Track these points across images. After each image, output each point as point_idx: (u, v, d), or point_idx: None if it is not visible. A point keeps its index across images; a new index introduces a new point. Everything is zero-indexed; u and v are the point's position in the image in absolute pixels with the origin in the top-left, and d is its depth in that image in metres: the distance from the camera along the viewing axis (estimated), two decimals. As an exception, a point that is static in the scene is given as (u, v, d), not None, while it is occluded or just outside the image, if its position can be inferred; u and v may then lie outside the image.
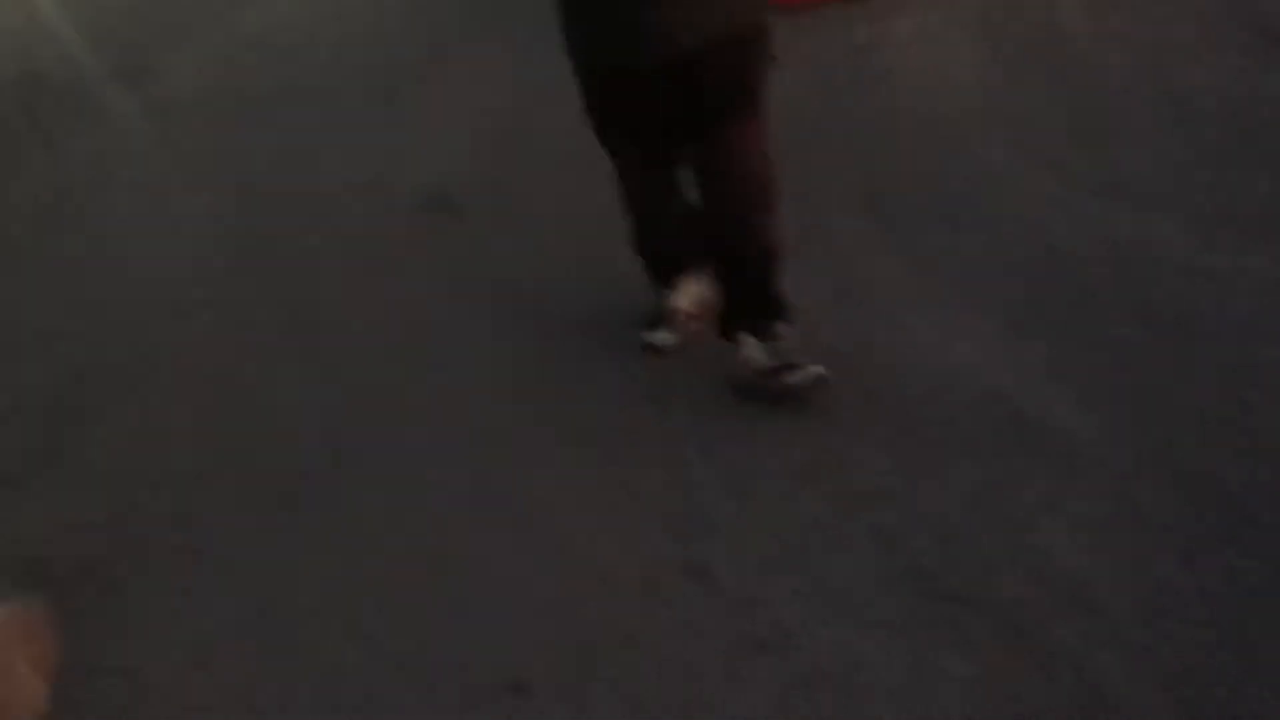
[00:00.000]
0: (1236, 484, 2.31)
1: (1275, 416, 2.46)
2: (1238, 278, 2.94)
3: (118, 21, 9.12)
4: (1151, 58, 4.43)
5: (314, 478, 2.92)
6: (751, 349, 2.89)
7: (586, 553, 2.53)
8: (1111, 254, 3.17)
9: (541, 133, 4.42)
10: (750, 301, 2.89)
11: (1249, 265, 2.97)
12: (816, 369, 2.82)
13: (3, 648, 2.11)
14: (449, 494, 2.78)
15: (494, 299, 3.51)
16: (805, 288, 3.01)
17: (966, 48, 4.89)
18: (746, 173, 2.70)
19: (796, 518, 2.50)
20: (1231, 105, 3.90)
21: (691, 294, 3.05)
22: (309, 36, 7.64)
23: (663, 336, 3.05)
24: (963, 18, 5.27)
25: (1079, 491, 2.37)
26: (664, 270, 3.08)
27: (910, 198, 3.72)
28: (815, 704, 2.11)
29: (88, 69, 7.62)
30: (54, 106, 6.84)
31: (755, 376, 2.89)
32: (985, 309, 3.02)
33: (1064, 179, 3.61)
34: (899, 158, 4.02)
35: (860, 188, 3.85)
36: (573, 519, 2.62)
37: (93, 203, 4.96)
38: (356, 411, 3.15)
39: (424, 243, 4.04)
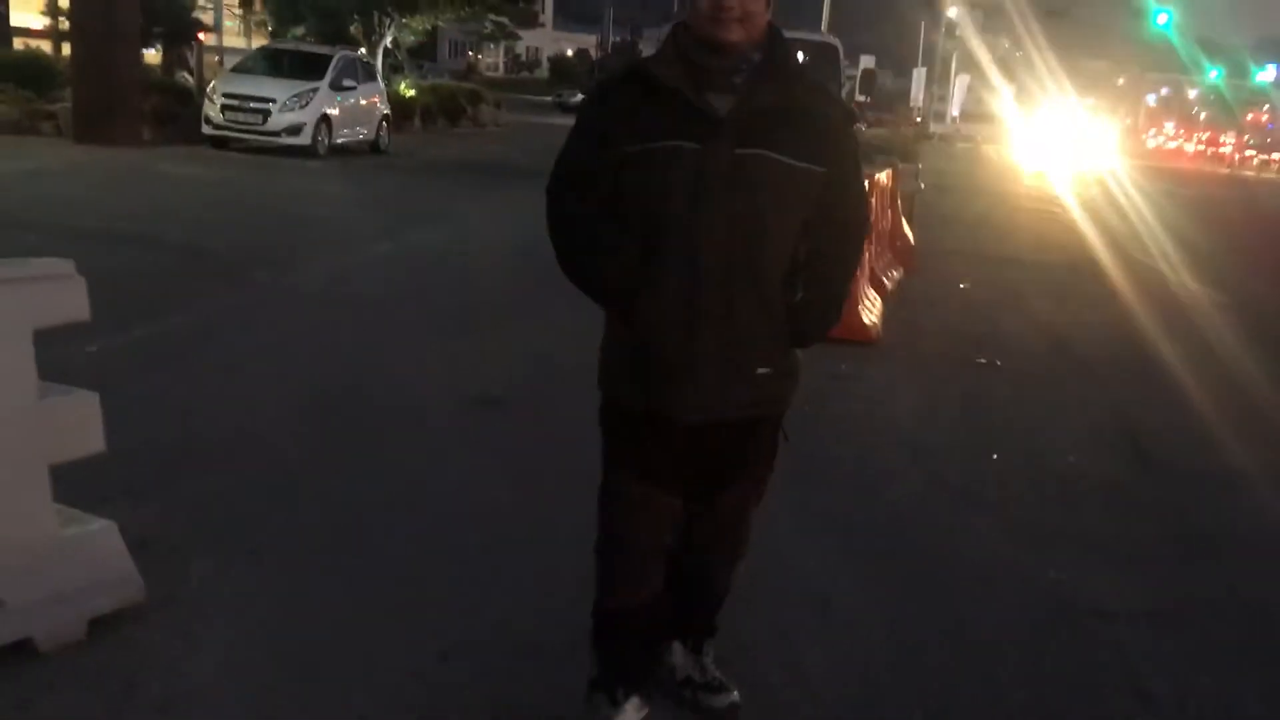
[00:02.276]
0: None
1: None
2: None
3: (280, 229, 10.98)
4: (1044, 440, 5.71)
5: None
6: (679, 657, 2.99)
7: None
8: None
9: (573, 364, 5.72)
10: (692, 621, 2.97)
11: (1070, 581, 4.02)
12: (733, 697, 2.94)
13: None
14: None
15: (505, 490, 4.54)
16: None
17: (916, 399, 6.25)
18: (736, 531, 2.83)
19: None
20: (1099, 491, 5.09)
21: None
22: (424, 266, 9.33)
23: None
24: (919, 380, 6.68)
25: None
26: (620, 670, 2.83)
27: (837, 502, 4.57)
28: None
29: (242, 252, 9.31)
30: (207, 272, 8.44)
31: (678, 684, 2.97)
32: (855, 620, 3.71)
33: (963, 513, 4.70)
34: (837, 467, 5.02)
35: (795, 488, 4.49)
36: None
37: (211, 346, 6.30)
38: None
39: (468, 429, 5.24)
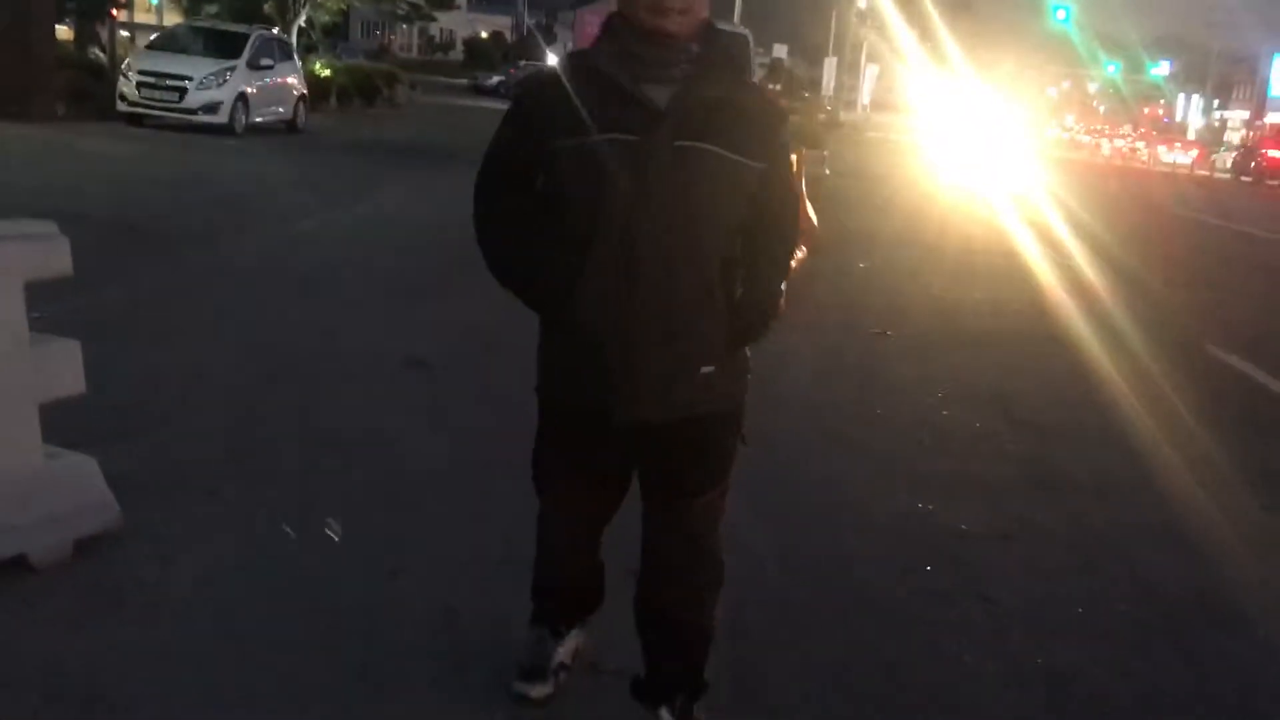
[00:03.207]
0: None
1: None
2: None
3: (205, 206, 11.21)
4: (925, 398, 6.33)
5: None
6: None
7: None
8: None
9: (499, 331, 6.17)
10: (675, 675, 2.80)
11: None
12: None
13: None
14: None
15: (437, 438, 5.01)
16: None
17: (815, 364, 6.86)
18: (700, 546, 2.70)
19: None
20: (968, 441, 5.72)
21: (571, 647, 2.95)
22: (349, 241, 9.70)
23: (539, 690, 2.86)
24: (818, 347, 7.30)
25: None
26: (560, 616, 2.94)
27: (742, 455, 4.85)
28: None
29: (170, 230, 9.56)
30: (138, 247, 8.69)
31: None
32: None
33: (850, 461, 5.31)
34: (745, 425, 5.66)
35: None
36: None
37: (150, 317, 6.62)
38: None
39: (401, 388, 5.68)
